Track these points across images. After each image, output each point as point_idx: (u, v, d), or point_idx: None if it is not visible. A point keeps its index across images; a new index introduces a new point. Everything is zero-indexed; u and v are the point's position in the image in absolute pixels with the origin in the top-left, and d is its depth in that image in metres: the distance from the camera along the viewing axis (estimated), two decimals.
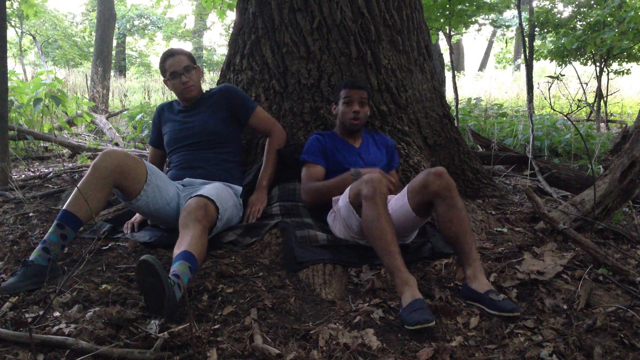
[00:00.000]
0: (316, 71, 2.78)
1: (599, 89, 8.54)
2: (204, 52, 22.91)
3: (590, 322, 1.60)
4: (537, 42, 9.69)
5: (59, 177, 3.96)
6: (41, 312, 1.59)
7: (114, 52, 14.82)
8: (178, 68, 2.44)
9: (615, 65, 9.13)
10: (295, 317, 1.68)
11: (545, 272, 1.95)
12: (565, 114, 2.70)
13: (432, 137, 2.97)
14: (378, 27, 2.84)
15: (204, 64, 21.32)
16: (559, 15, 9.35)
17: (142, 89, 13.44)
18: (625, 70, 9.01)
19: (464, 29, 8.62)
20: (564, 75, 7.49)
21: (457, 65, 19.70)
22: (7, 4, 6.66)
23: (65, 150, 5.63)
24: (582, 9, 8.90)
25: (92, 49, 14.74)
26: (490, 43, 24.58)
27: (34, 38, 15.75)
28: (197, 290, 1.80)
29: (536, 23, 8.41)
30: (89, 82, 10.98)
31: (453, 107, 6.20)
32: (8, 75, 3.82)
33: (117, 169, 2.06)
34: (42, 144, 5.79)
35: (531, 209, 2.70)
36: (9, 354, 1.39)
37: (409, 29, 3.00)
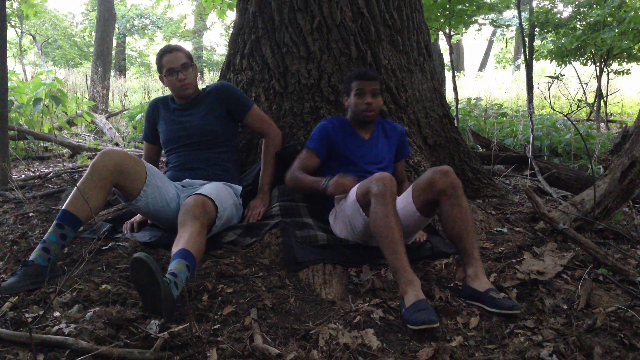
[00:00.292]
0: (316, 71, 2.78)
1: (599, 89, 8.54)
2: (204, 52, 22.91)
3: (590, 322, 1.60)
4: (537, 42, 9.69)
5: (59, 177, 3.96)
6: (41, 312, 1.59)
7: (114, 52, 14.83)
8: (175, 65, 2.40)
9: (615, 65, 9.13)
10: (295, 317, 1.68)
11: (545, 272, 1.95)
12: (565, 114, 2.70)
13: (432, 137, 2.97)
14: (378, 27, 2.84)
15: (204, 64, 21.31)
16: (559, 15, 9.35)
17: (142, 89, 13.45)
18: (625, 70, 9.02)
19: (464, 29, 8.63)
20: (564, 75, 7.49)
21: (457, 65, 19.70)
22: (7, 4, 6.66)
23: (65, 150, 5.63)
24: (582, 9, 8.90)
25: (92, 49, 14.74)
26: (490, 43, 24.58)
27: (34, 38, 15.76)
28: (197, 290, 1.80)
29: (536, 23, 8.42)
30: (88, 82, 10.98)
31: (453, 107, 6.20)
32: (8, 75, 3.82)
33: (116, 168, 2.06)
34: (42, 144, 5.79)
35: (531, 209, 2.70)
36: (9, 354, 1.39)
37: (409, 29, 3.00)
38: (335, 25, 2.78)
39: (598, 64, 8.56)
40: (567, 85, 10.89)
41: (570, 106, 7.03)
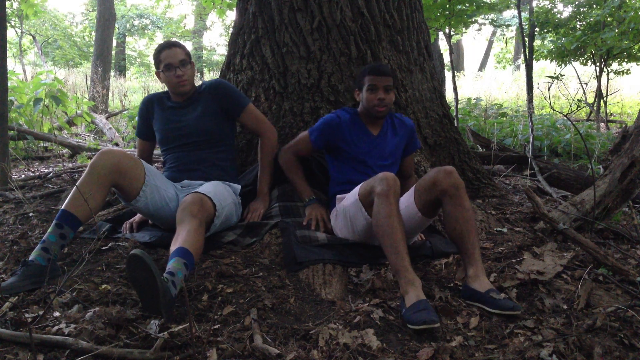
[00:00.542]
0: (316, 71, 2.78)
1: (598, 89, 8.54)
2: (204, 52, 22.91)
3: (590, 322, 1.60)
4: (537, 42, 9.70)
5: (59, 177, 3.96)
6: (41, 312, 1.59)
7: (114, 52, 14.83)
8: (174, 60, 2.35)
9: (615, 65, 9.13)
10: (295, 317, 1.68)
11: (545, 272, 1.95)
12: (565, 114, 2.70)
13: (432, 137, 2.97)
14: (378, 27, 2.84)
15: (204, 64, 21.31)
16: (559, 15, 9.35)
17: (142, 89, 13.44)
18: (625, 70, 9.02)
19: (464, 29, 8.63)
20: (564, 75, 7.49)
21: (457, 65, 19.70)
22: (7, 4, 6.66)
23: (65, 150, 5.63)
24: (582, 9, 8.91)
25: (92, 49, 14.74)
26: (490, 43, 24.58)
27: (34, 38, 15.76)
28: (197, 290, 1.80)
29: (536, 23, 8.42)
30: (88, 82, 10.98)
31: (453, 107, 6.20)
32: (8, 75, 3.82)
33: (114, 168, 2.05)
34: (42, 144, 5.79)
35: (531, 209, 2.70)
36: (9, 354, 1.39)
37: (409, 29, 3.00)
38: (335, 25, 2.78)
39: (598, 64, 8.56)
40: (567, 85, 10.89)
41: (570, 106, 7.03)
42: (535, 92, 9.23)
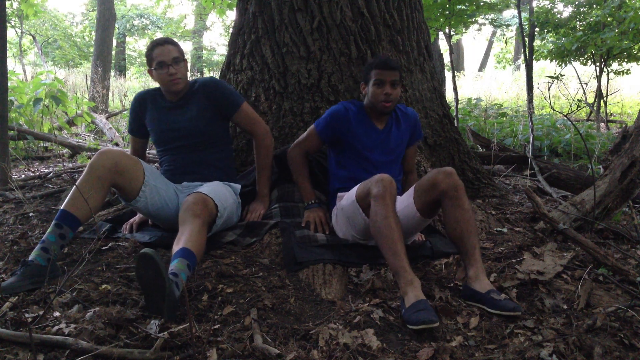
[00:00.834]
0: (316, 71, 2.78)
1: (599, 89, 8.53)
2: (204, 52, 22.91)
3: (590, 322, 1.60)
4: (537, 42, 9.69)
5: (59, 177, 3.96)
6: (41, 312, 1.59)
7: (114, 52, 14.82)
8: (166, 58, 2.28)
9: (615, 65, 9.13)
10: (295, 317, 1.68)
11: (545, 272, 1.95)
12: (565, 114, 2.70)
13: (432, 137, 2.97)
14: (378, 27, 2.84)
15: (204, 64, 21.31)
16: (559, 15, 9.35)
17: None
18: (625, 70, 9.02)
19: (464, 29, 8.63)
20: (564, 75, 7.49)
21: (457, 65, 19.70)
22: (7, 4, 6.66)
23: (65, 150, 5.63)
24: (582, 9, 8.90)
25: (92, 49, 14.73)
26: (490, 43, 24.58)
27: (34, 38, 15.75)
28: (197, 290, 1.80)
29: (536, 23, 8.42)
30: (89, 82, 10.97)
31: (453, 107, 6.20)
32: (8, 75, 3.82)
33: (113, 167, 2.05)
34: (42, 144, 5.79)
35: (531, 209, 2.70)
36: (9, 354, 1.39)
37: (409, 29, 3.00)
38: (335, 25, 2.78)
39: (598, 64, 8.56)
40: (567, 85, 10.89)
41: (570, 106, 7.03)
42: (535, 92, 9.23)
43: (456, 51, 19.21)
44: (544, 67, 16.90)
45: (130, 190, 2.14)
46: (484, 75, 17.70)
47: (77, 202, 1.97)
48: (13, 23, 12.53)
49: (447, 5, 6.10)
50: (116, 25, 15.90)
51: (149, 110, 2.46)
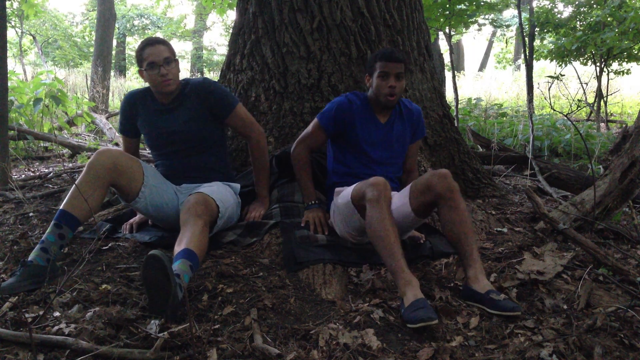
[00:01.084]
0: (316, 71, 2.78)
1: (599, 89, 8.53)
2: (204, 52, 22.91)
3: (590, 322, 1.60)
4: (537, 42, 9.69)
5: (59, 177, 3.96)
6: (41, 312, 1.59)
7: (114, 52, 14.83)
8: (157, 58, 2.20)
9: (615, 65, 9.13)
10: (295, 317, 1.68)
11: (545, 272, 1.95)
12: (565, 114, 2.70)
13: (432, 137, 2.97)
14: (378, 27, 2.84)
15: (204, 64, 21.31)
16: (559, 15, 9.35)
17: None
18: (625, 70, 9.01)
19: (464, 29, 8.62)
20: (564, 75, 7.49)
21: (457, 65, 19.70)
22: (7, 4, 6.66)
23: (65, 150, 5.63)
24: (582, 9, 8.90)
25: (92, 49, 14.73)
26: (490, 43, 24.58)
27: (34, 38, 15.75)
28: (197, 290, 1.81)
29: (536, 23, 8.42)
30: (89, 82, 10.98)
31: (453, 107, 6.20)
32: (8, 75, 3.82)
33: (112, 167, 2.05)
34: (42, 144, 5.79)
35: (531, 209, 2.70)
36: (9, 354, 1.39)
37: (409, 29, 3.00)
38: (335, 25, 2.78)
39: (598, 64, 8.56)
40: (567, 85, 10.88)
41: (570, 106, 7.03)
42: (536, 92, 9.23)
43: (456, 51, 19.21)
44: (544, 67, 16.90)
45: (130, 191, 2.14)
46: (484, 75, 17.70)
47: (76, 202, 1.97)
48: (13, 23, 12.52)
49: (447, 5, 6.10)
50: (116, 25, 15.90)
51: (140, 113, 2.38)
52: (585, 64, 9.22)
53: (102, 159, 2.04)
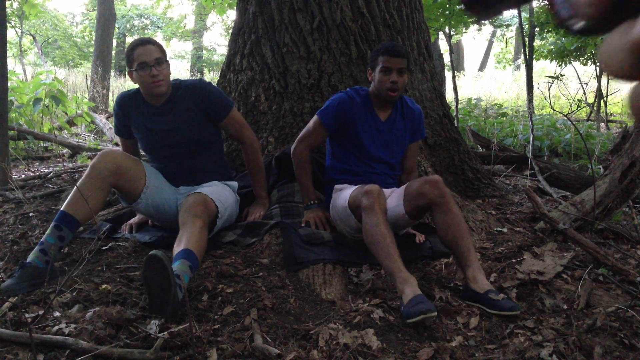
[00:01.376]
0: (316, 71, 2.78)
1: (599, 89, 8.53)
2: (204, 52, 22.90)
3: (590, 322, 1.60)
4: (537, 42, 9.69)
5: (59, 177, 3.96)
6: (41, 312, 1.59)
7: (114, 52, 14.82)
8: (148, 59, 2.13)
9: None
10: (295, 317, 1.68)
11: (545, 272, 1.95)
12: (565, 114, 2.70)
13: (432, 137, 2.97)
14: (378, 27, 2.84)
15: (204, 64, 21.31)
16: None
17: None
18: None
19: (464, 29, 8.62)
20: (564, 75, 7.48)
21: (457, 65, 19.70)
22: (7, 4, 6.66)
23: (65, 150, 5.63)
24: None
25: (92, 49, 14.72)
26: (490, 43, 24.58)
27: (34, 38, 15.74)
28: (197, 290, 1.80)
29: (536, 23, 8.41)
30: (89, 82, 10.98)
31: (453, 107, 6.20)
32: (8, 75, 3.82)
33: (115, 169, 2.05)
34: (42, 144, 5.79)
35: (531, 209, 2.70)
36: (9, 354, 1.39)
37: (409, 29, 3.00)
38: (335, 25, 2.78)
39: (598, 64, 8.56)
40: (567, 85, 10.88)
41: (570, 106, 7.03)
42: (535, 92, 9.22)
43: (456, 51, 19.21)
44: (544, 67, 16.90)
45: (132, 192, 2.14)
46: (484, 75, 17.70)
47: (77, 204, 1.96)
48: (13, 23, 12.52)
49: (447, 5, 6.09)
50: (116, 25, 15.90)
51: (133, 116, 2.33)
52: (585, 64, 9.22)
53: (105, 161, 2.03)
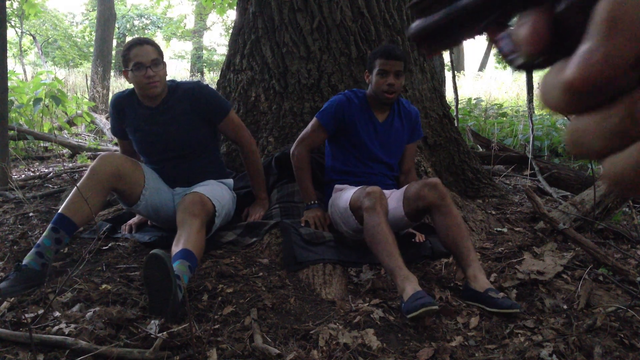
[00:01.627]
0: (316, 71, 2.78)
1: None
2: (204, 52, 22.91)
3: (590, 322, 1.60)
4: None
5: (59, 177, 3.96)
6: (41, 312, 1.59)
7: (114, 52, 14.83)
8: (145, 59, 2.11)
9: None
10: (295, 317, 1.68)
11: (545, 272, 1.95)
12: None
13: (432, 137, 2.97)
14: (378, 27, 2.84)
15: (204, 64, 21.31)
16: None
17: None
18: None
19: None
20: None
21: (457, 65, 19.69)
22: (8, 4, 6.66)
23: (65, 150, 5.63)
24: None
25: (92, 49, 14.74)
26: (491, 43, 24.55)
27: (34, 38, 15.75)
28: (197, 290, 1.80)
29: None
30: (89, 82, 10.98)
31: (453, 107, 6.19)
32: (8, 75, 3.82)
33: (115, 172, 2.04)
34: (42, 144, 5.79)
35: (531, 209, 2.70)
36: (9, 354, 1.39)
37: None
38: (335, 25, 2.78)
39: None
40: None
41: None
42: (536, 92, 9.21)
43: (456, 51, 19.20)
44: None
45: (131, 195, 2.13)
46: (484, 75, 17.69)
47: (75, 206, 1.95)
48: (13, 23, 12.53)
49: None
50: (116, 25, 15.90)
51: (127, 117, 2.30)
52: None
53: (105, 164, 2.03)
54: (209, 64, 21.70)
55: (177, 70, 20.95)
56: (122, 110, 2.30)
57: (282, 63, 2.84)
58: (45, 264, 1.87)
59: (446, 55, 11.98)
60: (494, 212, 2.76)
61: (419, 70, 3.05)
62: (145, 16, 22.11)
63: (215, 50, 23.84)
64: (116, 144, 6.34)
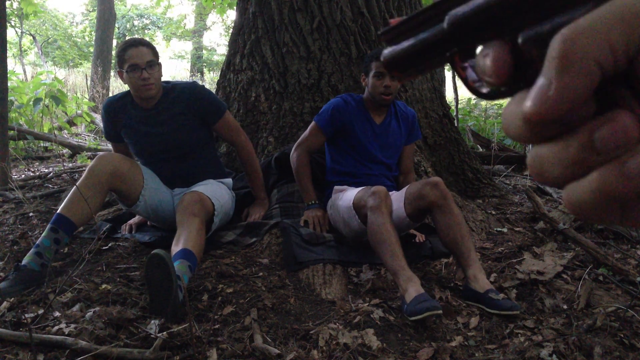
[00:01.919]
0: (316, 71, 2.79)
1: None
2: (204, 52, 22.90)
3: (590, 322, 1.60)
4: None
5: (59, 177, 3.96)
6: (41, 312, 1.59)
7: (114, 52, 14.82)
8: (140, 61, 2.09)
9: None
10: (295, 317, 1.68)
11: (545, 272, 1.95)
12: None
13: (432, 137, 2.97)
14: (378, 27, 2.84)
15: (204, 64, 21.31)
16: None
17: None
18: None
19: None
20: None
21: None
22: (7, 3, 6.66)
23: (65, 150, 5.63)
24: None
25: (92, 49, 14.73)
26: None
27: (34, 38, 15.75)
28: (197, 290, 1.80)
29: None
30: (89, 82, 10.98)
31: (453, 107, 6.20)
32: (8, 75, 3.82)
33: (114, 172, 2.04)
34: (42, 144, 5.79)
35: (531, 209, 2.70)
36: (9, 354, 1.39)
37: None
38: (335, 25, 2.78)
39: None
40: None
41: None
42: None
43: None
44: None
45: (130, 195, 2.13)
46: None
47: (74, 206, 1.95)
48: (13, 23, 12.53)
49: None
50: (116, 25, 15.91)
51: (122, 121, 2.28)
52: None
53: (104, 164, 2.02)
54: (208, 64, 21.69)
55: (177, 70, 20.96)
56: (116, 114, 2.28)
57: (282, 63, 2.84)
58: (44, 264, 1.87)
59: None
60: (494, 212, 2.76)
61: None
62: (145, 16, 22.11)
63: (215, 50, 23.84)
64: None
